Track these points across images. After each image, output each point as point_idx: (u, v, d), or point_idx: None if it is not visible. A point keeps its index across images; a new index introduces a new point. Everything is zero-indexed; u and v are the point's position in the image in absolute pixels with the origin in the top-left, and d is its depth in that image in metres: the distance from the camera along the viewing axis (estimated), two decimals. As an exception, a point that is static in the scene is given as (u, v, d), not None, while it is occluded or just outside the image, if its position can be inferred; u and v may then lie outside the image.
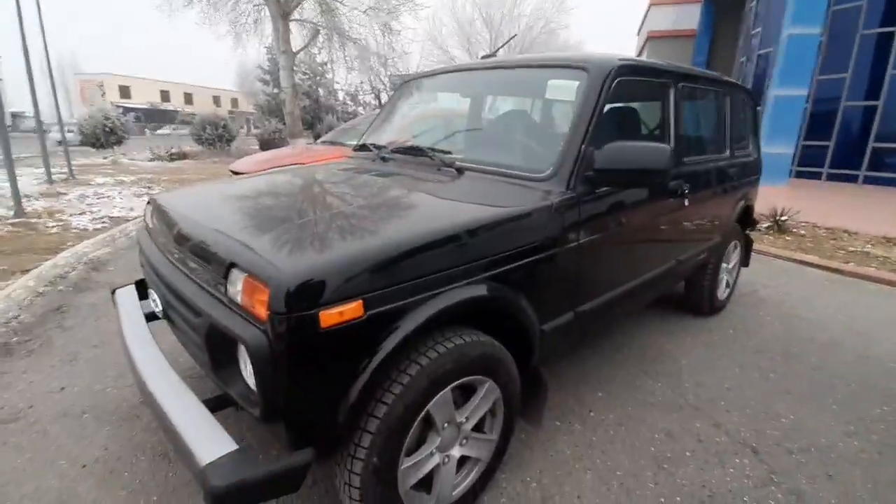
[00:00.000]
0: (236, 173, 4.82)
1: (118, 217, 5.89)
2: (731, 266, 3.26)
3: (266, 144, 15.59)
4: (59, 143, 9.39)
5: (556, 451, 1.87)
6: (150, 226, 1.85)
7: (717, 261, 2.97)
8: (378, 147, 2.31)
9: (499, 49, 2.48)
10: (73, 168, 9.45)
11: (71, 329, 2.79)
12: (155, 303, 1.52)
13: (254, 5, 14.88)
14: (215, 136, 15.82)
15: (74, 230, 5.13)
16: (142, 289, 1.94)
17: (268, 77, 23.63)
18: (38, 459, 1.74)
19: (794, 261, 4.61)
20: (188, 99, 52.37)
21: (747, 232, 3.38)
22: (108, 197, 7.33)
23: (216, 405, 1.29)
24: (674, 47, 18.25)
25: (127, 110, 14.48)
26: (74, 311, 3.03)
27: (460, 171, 1.84)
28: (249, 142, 21.28)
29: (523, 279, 1.50)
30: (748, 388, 2.37)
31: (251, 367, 1.06)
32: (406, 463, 1.30)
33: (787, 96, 9.05)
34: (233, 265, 1.16)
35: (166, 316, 1.48)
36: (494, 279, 1.40)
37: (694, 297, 3.08)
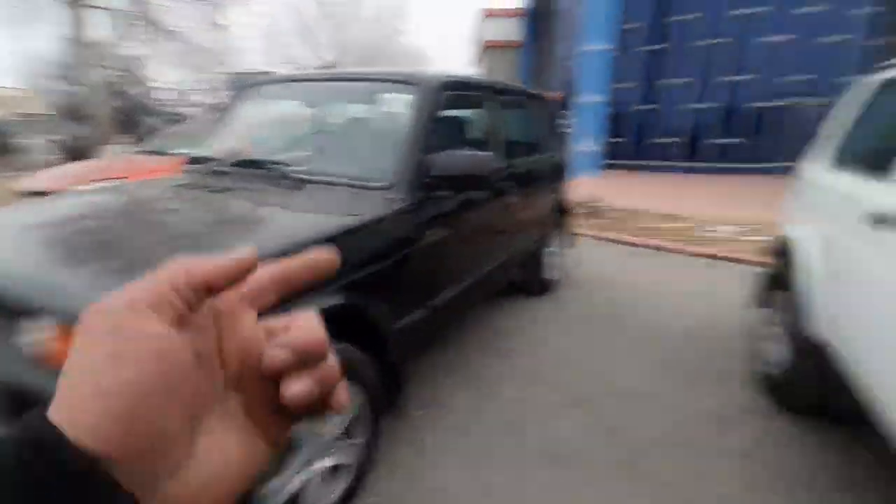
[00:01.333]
0: (30, 192, 3.99)
1: None
2: (554, 250, 3.80)
3: (71, 153, 13.00)
4: None
5: (418, 440, 2.01)
6: None
7: (542, 247, 3.45)
8: (214, 160, 2.17)
9: (333, 65, 2.50)
10: None
11: None
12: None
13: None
14: (-8, 146, 12.66)
15: None
16: None
17: (65, 73, 19.68)
18: None
19: (605, 239, 5.56)
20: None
21: (564, 219, 3.98)
22: None
23: None
24: (507, 55, 20.25)
25: None
26: None
27: (302, 183, 1.85)
28: (44, 150, 17.47)
29: (374, 284, 1.59)
30: (576, 350, 2.82)
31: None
32: (264, 489, 1.28)
33: (590, 102, 10.78)
34: (32, 311, 1.01)
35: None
36: (346, 287, 1.46)
37: (528, 280, 3.52)
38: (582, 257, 4.74)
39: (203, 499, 0.21)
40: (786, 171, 11.42)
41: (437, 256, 1.95)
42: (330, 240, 1.43)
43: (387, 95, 2.07)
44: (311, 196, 1.78)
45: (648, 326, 3.17)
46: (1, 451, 0.17)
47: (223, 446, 0.23)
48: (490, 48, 21.09)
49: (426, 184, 1.85)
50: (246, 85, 2.62)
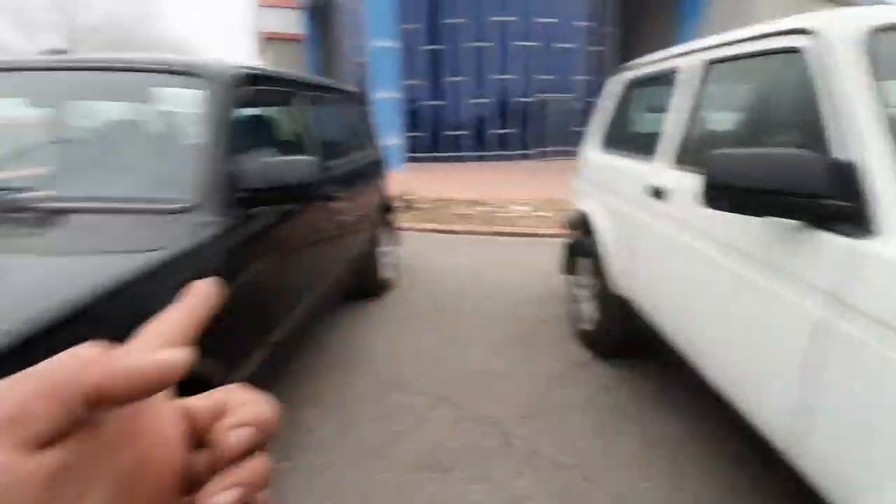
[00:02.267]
0: None
1: None
2: (385, 249, 3.75)
3: None
4: None
5: (291, 489, 1.71)
6: None
7: (375, 247, 3.35)
8: None
9: (63, 52, 1.87)
10: None
11: None
12: None
13: None
14: None
15: None
16: None
17: None
18: None
19: (423, 230, 5.77)
20: None
21: (389, 216, 3.95)
22: None
23: None
24: (290, 49, 19.10)
25: None
26: None
27: (56, 214, 1.32)
28: None
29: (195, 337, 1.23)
30: (426, 346, 2.82)
31: None
32: None
33: (384, 98, 11.03)
34: None
35: None
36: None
37: (366, 283, 3.38)
38: (409, 251, 4.81)
39: None
40: (544, 155, 13.83)
41: (267, 285, 1.64)
42: (118, 291, 1.04)
43: (162, 90, 1.63)
44: (73, 232, 1.28)
45: (484, 309, 3.37)
46: None
47: None
48: (272, 40, 19.65)
49: (239, 199, 1.53)
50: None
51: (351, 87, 3.36)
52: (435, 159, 13.80)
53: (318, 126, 2.42)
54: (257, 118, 2.03)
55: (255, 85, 1.80)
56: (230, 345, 1.40)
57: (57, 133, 1.79)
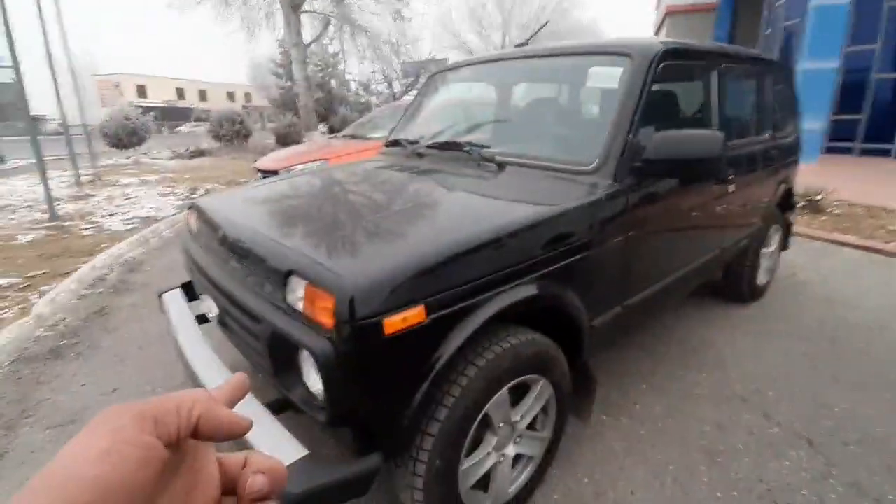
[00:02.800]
0: (261, 171, 4.86)
1: (147, 217, 6.00)
2: (770, 250, 3.17)
3: (282, 138, 15.65)
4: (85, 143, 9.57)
5: (605, 445, 1.86)
6: (195, 230, 1.87)
7: (757, 246, 2.89)
8: (412, 142, 2.29)
9: (531, 37, 2.41)
10: (98, 169, 9.65)
11: (115, 331, 2.87)
12: (209, 308, 1.54)
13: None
14: (232, 132, 15.94)
15: (107, 232, 5.25)
16: (188, 291, 1.98)
17: (280, 70, 23.65)
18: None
19: (832, 241, 4.47)
20: (202, 96, 52.94)
21: (786, 215, 3.28)
22: (135, 197, 7.47)
23: (278, 408, 1.30)
24: (694, 21, 17.65)
25: (146, 110, 14.65)
26: (116, 313, 3.11)
27: (501, 165, 1.81)
28: (265, 136, 21.40)
29: (574, 276, 1.48)
30: (795, 376, 2.31)
31: (317, 374, 1.07)
32: (466, 464, 1.30)
33: (816, 69, 8.69)
34: (291, 273, 1.16)
35: (222, 321, 1.50)
36: (546, 277, 1.38)
37: (734, 283, 3.00)
38: (800, 262, 3.90)
39: None
40: None
41: (640, 251, 1.74)
42: (526, 229, 1.36)
43: (594, 70, 1.89)
44: (510, 180, 1.73)
45: (891, 360, 2.43)
46: None
47: None
48: (673, 14, 18.62)
49: (635, 168, 1.65)
50: (439, 69, 2.70)
51: (775, 59, 2.89)
52: (872, 152, 10.12)
53: (732, 101, 2.24)
54: (672, 92, 2.07)
55: (674, 60, 1.84)
56: (595, 296, 1.60)
57: (514, 107, 2.38)
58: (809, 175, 6.43)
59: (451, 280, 1.16)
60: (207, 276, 1.53)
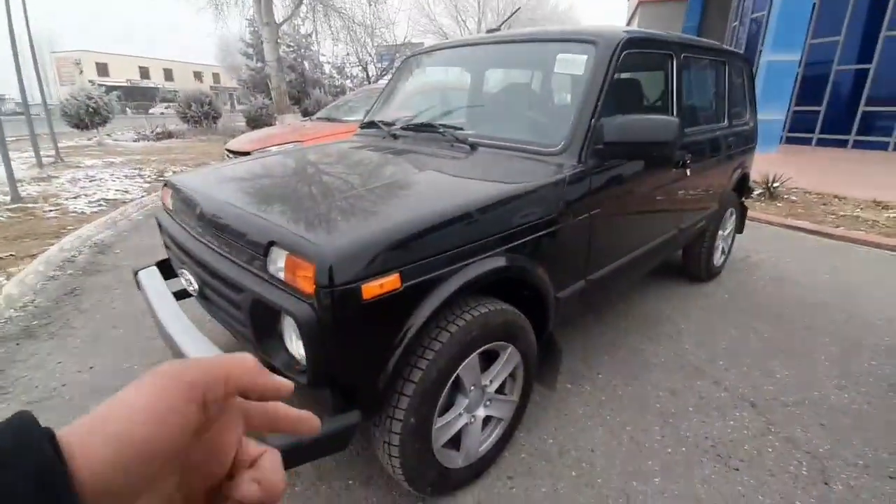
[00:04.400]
0: (232, 152, 4.80)
1: (114, 199, 5.85)
2: (726, 233, 3.37)
3: (253, 121, 15.28)
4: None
5: (568, 410, 2.00)
6: (171, 207, 1.89)
7: (714, 228, 3.07)
8: (387, 124, 2.34)
9: (503, 23, 2.48)
10: (60, 150, 9.26)
11: (87, 311, 2.85)
12: (189, 282, 1.58)
13: (234, -25, 14.35)
14: (201, 114, 15.48)
15: (73, 214, 5.10)
16: (164, 269, 2.00)
17: (251, 51, 22.91)
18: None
19: (786, 226, 4.74)
20: (168, 75, 50.81)
21: (742, 199, 3.48)
22: (101, 179, 7.23)
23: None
24: (665, 12, 17.94)
25: (109, 89, 14.02)
26: (88, 294, 3.08)
27: (474, 146, 1.89)
28: (235, 118, 20.81)
29: (540, 250, 1.58)
30: (744, 348, 2.51)
31: (300, 338, 1.14)
32: (439, 423, 1.40)
33: (780, 61, 9.03)
34: (272, 244, 1.22)
35: (201, 294, 1.54)
36: (514, 250, 1.48)
37: (692, 263, 3.19)
38: (755, 245, 4.14)
39: None
40: None
41: (602, 229, 1.85)
42: (495, 205, 1.45)
43: (560, 56, 1.98)
44: (482, 160, 1.82)
45: (831, 332, 2.66)
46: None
47: None
48: (645, 4, 18.88)
49: (598, 150, 1.76)
50: (413, 53, 2.74)
51: (735, 50, 3.04)
52: (829, 142, 10.64)
53: (691, 89, 2.37)
54: (634, 80, 2.18)
55: (639, 48, 1.94)
56: (559, 269, 1.71)
57: (485, 90, 2.46)
58: (769, 164, 6.75)
59: (424, 250, 1.24)
60: (186, 251, 1.57)
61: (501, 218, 1.44)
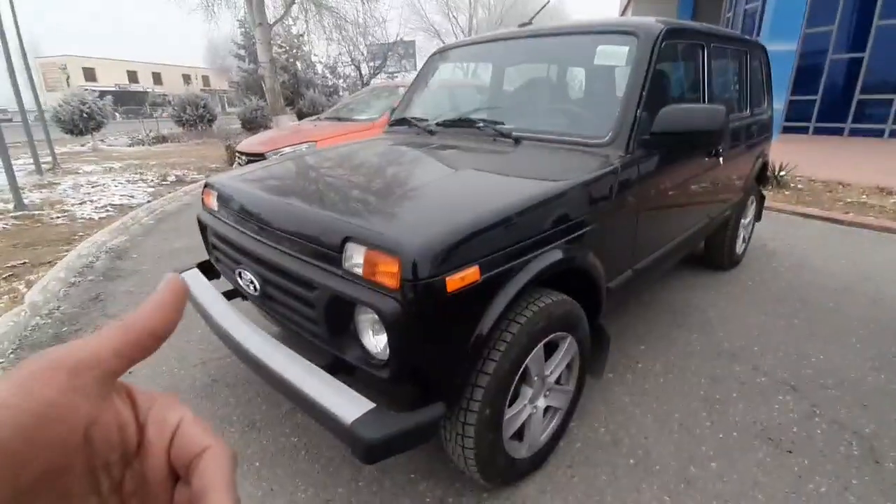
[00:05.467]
0: (244, 154, 4.77)
1: (120, 205, 5.79)
2: (747, 221, 3.40)
3: (248, 123, 15.16)
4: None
5: (614, 399, 2.02)
6: (215, 207, 1.88)
7: (737, 216, 3.10)
8: (420, 121, 2.34)
9: (535, 16, 2.48)
10: (55, 157, 9.14)
11: (115, 316, 2.82)
12: (250, 282, 1.57)
13: (225, -25, 14.22)
14: (196, 117, 15.33)
15: (81, 220, 5.05)
16: (205, 270, 2.00)
17: (243, 52, 22.71)
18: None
19: (797, 214, 4.80)
20: (157, 79, 50.31)
21: (761, 187, 3.52)
22: (103, 185, 7.16)
23: (331, 370, 1.37)
24: (658, 3, 18.03)
25: (103, 94, 13.85)
26: (112, 300, 3.05)
27: (517, 140, 1.90)
28: (229, 121, 20.64)
29: (594, 240, 1.59)
30: (775, 333, 2.54)
31: (381, 332, 1.15)
32: (508, 413, 1.41)
33: (776, 52, 9.06)
34: (347, 240, 1.22)
35: (264, 293, 1.54)
36: (573, 241, 1.49)
37: (714, 252, 3.22)
38: (770, 232, 4.19)
39: None
40: None
41: (648, 218, 1.87)
42: (555, 198, 1.45)
43: (601, 48, 1.99)
44: (528, 153, 1.83)
45: (857, 316, 2.70)
46: None
47: None
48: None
49: (644, 140, 1.77)
50: (441, 49, 2.74)
51: (755, 39, 3.07)
52: (826, 130, 10.75)
53: (719, 78, 2.39)
54: (668, 70, 2.19)
55: (675, 39, 1.96)
56: (611, 259, 1.72)
57: (522, 84, 2.46)
58: (774, 153, 6.82)
59: (499, 243, 1.25)
60: (244, 250, 1.56)
61: (562, 209, 1.46)
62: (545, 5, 2.68)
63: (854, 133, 10.36)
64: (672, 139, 1.79)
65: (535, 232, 1.35)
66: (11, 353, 2.42)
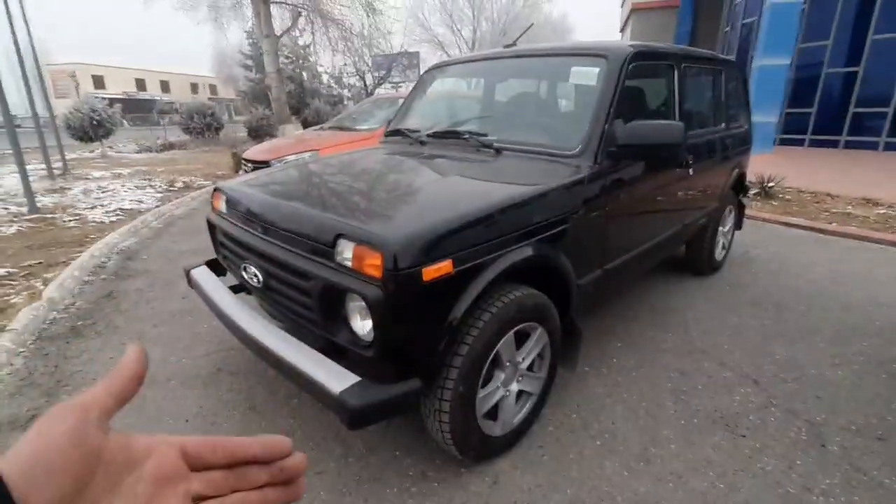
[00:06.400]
0: (250, 161, 4.99)
1: (130, 209, 6.01)
2: (726, 229, 3.57)
3: (255, 131, 15.49)
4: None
5: (588, 390, 2.18)
6: (223, 210, 2.07)
7: (715, 224, 3.28)
8: (412, 132, 2.54)
9: (518, 38, 2.69)
10: (66, 163, 9.43)
11: (128, 311, 3.02)
12: (253, 276, 1.76)
13: (234, -11, 14.63)
14: (203, 125, 15.68)
15: (92, 223, 5.27)
16: (213, 267, 2.20)
17: (250, 62, 23.17)
18: (145, 417, 2.00)
19: (782, 223, 4.96)
20: (165, 87, 51.10)
21: (740, 197, 3.69)
22: (113, 190, 7.40)
23: (323, 352, 1.55)
24: (658, 18, 18.37)
25: (111, 101, 14.21)
26: (124, 297, 3.25)
27: (498, 151, 2.09)
28: (236, 129, 21.04)
29: (563, 241, 1.77)
30: (746, 333, 2.70)
31: (367, 317, 1.33)
32: (481, 393, 1.58)
33: (771, 65, 9.32)
34: (339, 237, 1.40)
35: (266, 285, 1.72)
36: (542, 241, 1.67)
37: (694, 258, 3.39)
38: (753, 240, 4.35)
39: None
40: None
41: (616, 222, 2.05)
42: (526, 202, 1.64)
43: (574, 69, 2.19)
44: (507, 162, 2.02)
45: (826, 319, 2.86)
46: None
47: None
48: (638, 11, 19.31)
49: (611, 152, 1.96)
50: (434, 66, 2.95)
51: (729, 58, 3.27)
52: (821, 143, 10.93)
53: (691, 95, 2.58)
54: (640, 88, 2.39)
55: (644, 60, 2.15)
56: (580, 258, 1.90)
57: (504, 100, 2.67)
58: (764, 164, 6.99)
59: (471, 240, 1.43)
60: (249, 247, 1.75)
61: (533, 212, 1.64)
62: (527, 29, 2.88)
63: (849, 145, 10.54)
64: (636, 151, 1.97)
65: (505, 231, 1.54)
66: (32, 343, 2.61)
